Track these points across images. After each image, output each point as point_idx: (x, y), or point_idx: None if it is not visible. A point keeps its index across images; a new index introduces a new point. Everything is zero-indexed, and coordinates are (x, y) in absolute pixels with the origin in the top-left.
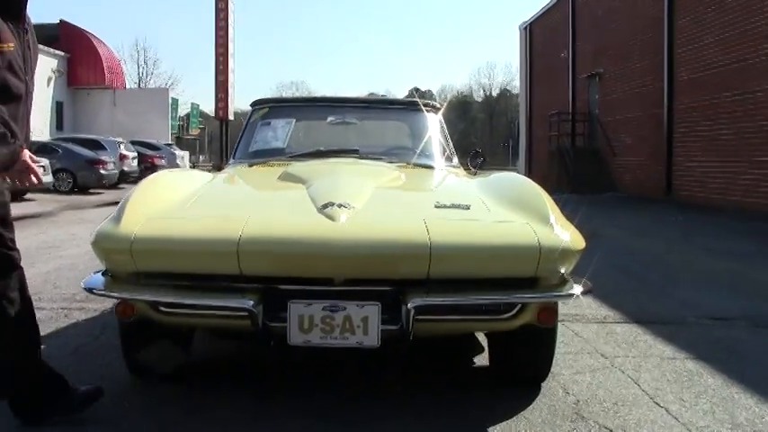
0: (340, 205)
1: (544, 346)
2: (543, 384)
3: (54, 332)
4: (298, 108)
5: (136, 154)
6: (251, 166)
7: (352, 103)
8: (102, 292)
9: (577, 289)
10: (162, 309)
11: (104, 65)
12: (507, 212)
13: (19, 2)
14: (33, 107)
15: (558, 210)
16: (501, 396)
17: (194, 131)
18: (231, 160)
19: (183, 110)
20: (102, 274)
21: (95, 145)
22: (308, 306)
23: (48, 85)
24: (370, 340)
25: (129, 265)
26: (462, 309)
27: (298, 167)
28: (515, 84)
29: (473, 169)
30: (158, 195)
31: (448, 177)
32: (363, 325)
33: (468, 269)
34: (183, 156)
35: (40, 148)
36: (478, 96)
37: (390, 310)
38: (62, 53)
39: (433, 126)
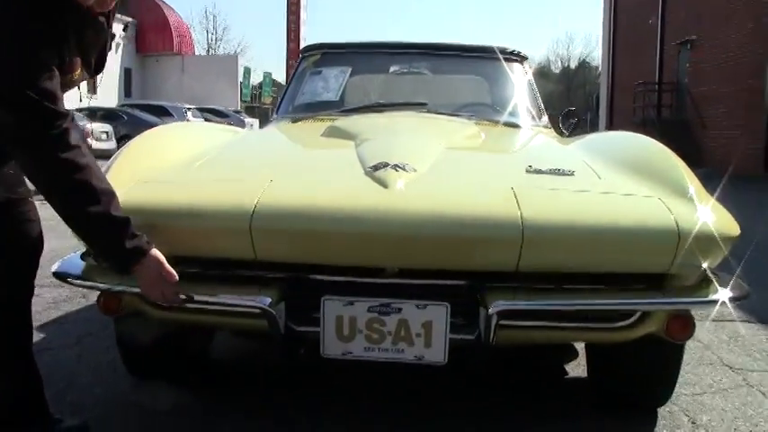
0: (396, 167)
1: (668, 363)
2: (659, 409)
3: (67, 315)
4: (355, 55)
5: (203, 121)
6: (294, 121)
7: (421, 50)
8: (77, 281)
9: (724, 293)
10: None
11: (173, 31)
12: (627, 182)
13: None
14: (102, 74)
15: (697, 181)
16: (602, 422)
17: (267, 100)
18: (274, 116)
19: (256, 78)
20: (82, 256)
21: (162, 111)
22: (348, 305)
23: (116, 51)
24: (433, 354)
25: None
26: (564, 315)
27: (347, 121)
28: (595, 55)
29: (566, 131)
30: (158, 152)
31: (538, 137)
32: (425, 333)
33: (574, 259)
34: (252, 123)
35: (106, 115)
36: (556, 68)
37: (463, 313)
38: (130, 19)
39: (519, 77)
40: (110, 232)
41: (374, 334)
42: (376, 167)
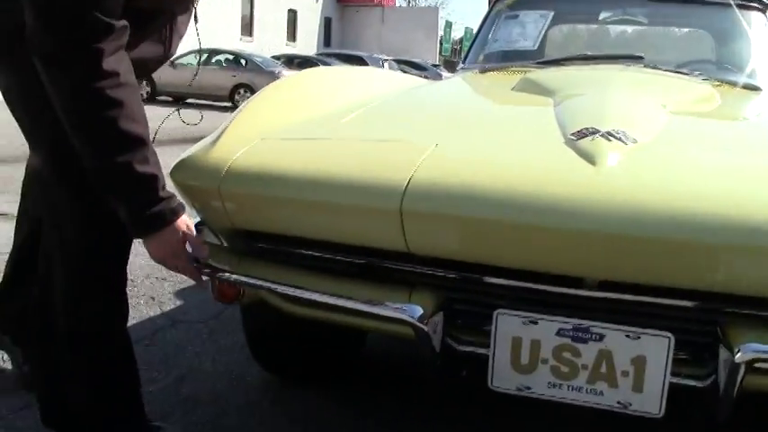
0: (609, 135)
1: None
2: None
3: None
4: None
5: (403, 73)
6: (483, 72)
7: None
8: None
9: None
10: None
11: None
12: None
13: None
14: (302, 22)
15: None
16: None
17: None
18: (460, 65)
19: (457, 33)
20: (196, 227)
21: (359, 62)
22: (531, 324)
23: (317, 1)
24: (645, 402)
25: (223, 218)
26: None
27: (545, 74)
28: None
29: None
30: (296, 102)
31: None
32: (635, 372)
33: None
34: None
35: (303, 63)
36: None
37: (690, 348)
38: None
39: (760, 30)
40: (129, 190)
41: (563, 366)
42: (581, 134)
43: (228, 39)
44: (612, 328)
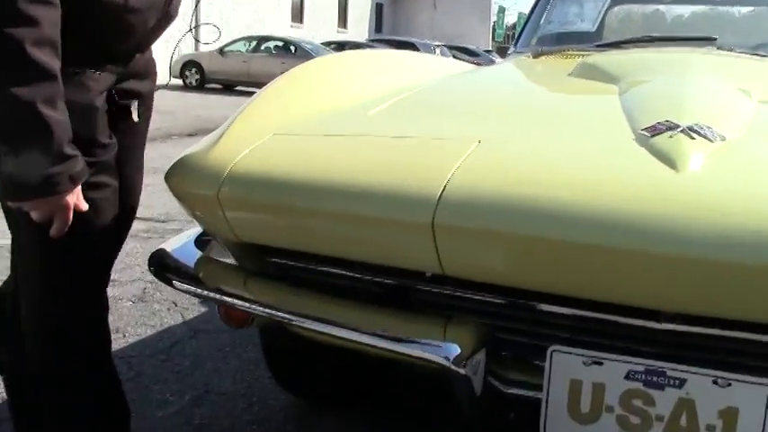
0: (691, 131)
1: None
2: None
3: None
4: None
5: (451, 58)
6: (536, 56)
7: None
8: (185, 284)
9: None
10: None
11: None
12: None
13: None
14: (353, 8)
15: None
16: None
17: None
18: (511, 49)
19: (510, 19)
20: (196, 241)
21: (410, 48)
22: (594, 365)
23: None
24: None
25: (225, 230)
26: None
27: (607, 58)
28: None
29: None
30: (321, 90)
31: None
32: (725, 427)
33: None
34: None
35: (354, 49)
36: None
37: None
38: None
39: None
40: (24, 137)
41: (633, 416)
42: (655, 130)
43: (278, 25)
44: (696, 372)
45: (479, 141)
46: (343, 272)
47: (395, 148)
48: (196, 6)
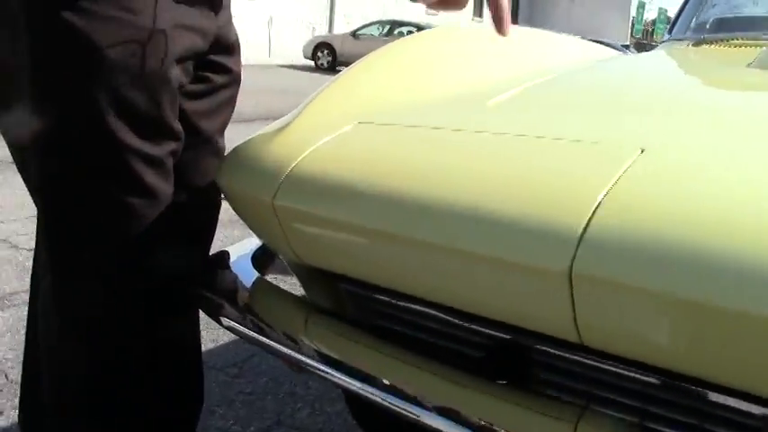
0: None
1: None
2: None
3: None
4: None
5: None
6: (697, 44)
7: None
8: (238, 323)
9: None
10: None
11: None
12: None
13: None
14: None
15: None
16: None
17: (659, 38)
18: (665, 37)
19: (650, 15)
20: (254, 257)
21: None
22: None
23: None
24: None
25: (284, 247)
26: None
27: None
28: None
29: None
30: (422, 70)
31: None
32: None
33: None
34: None
35: None
36: None
37: None
38: None
39: None
40: None
41: None
42: None
43: (415, 11)
44: None
45: (642, 150)
46: (437, 313)
47: (520, 152)
48: None
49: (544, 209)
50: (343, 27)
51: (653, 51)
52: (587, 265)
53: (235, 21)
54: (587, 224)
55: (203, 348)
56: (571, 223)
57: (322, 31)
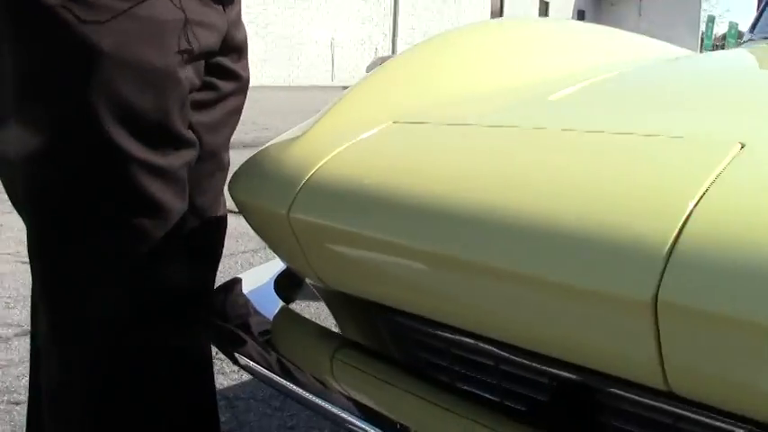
0: None
1: None
2: None
3: None
4: None
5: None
6: None
7: None
8: (252, 363)
9: None
10: None
11: None
12: None
13: None
14: (554, 14)
15: None
16: None
17: None
18: (747, 36)
19: (720, 30)
20: (276, 286)
21: None
22: None
23: None
24: None
25: (305, 268)
26: None
27: None
28: None
29: None
30: (468, 65)
31: None
32: None
33: None
34: None
35: None
36: None
37: None
38: None
39: None
40: None
41: None
42: None
43: None
44: None
45: (742, 145)
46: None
47: (592, 153)
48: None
49: (621, 222)
50: (405, 47)
51: (735, 48)
52: (676, 293)
53: (297, 44)
54: (675, 240)
55: (241, 378)
56: (655, 240)
57: (384, 52)
